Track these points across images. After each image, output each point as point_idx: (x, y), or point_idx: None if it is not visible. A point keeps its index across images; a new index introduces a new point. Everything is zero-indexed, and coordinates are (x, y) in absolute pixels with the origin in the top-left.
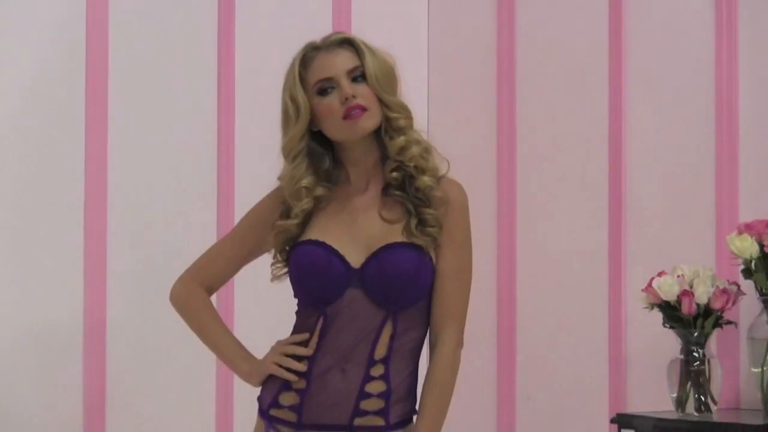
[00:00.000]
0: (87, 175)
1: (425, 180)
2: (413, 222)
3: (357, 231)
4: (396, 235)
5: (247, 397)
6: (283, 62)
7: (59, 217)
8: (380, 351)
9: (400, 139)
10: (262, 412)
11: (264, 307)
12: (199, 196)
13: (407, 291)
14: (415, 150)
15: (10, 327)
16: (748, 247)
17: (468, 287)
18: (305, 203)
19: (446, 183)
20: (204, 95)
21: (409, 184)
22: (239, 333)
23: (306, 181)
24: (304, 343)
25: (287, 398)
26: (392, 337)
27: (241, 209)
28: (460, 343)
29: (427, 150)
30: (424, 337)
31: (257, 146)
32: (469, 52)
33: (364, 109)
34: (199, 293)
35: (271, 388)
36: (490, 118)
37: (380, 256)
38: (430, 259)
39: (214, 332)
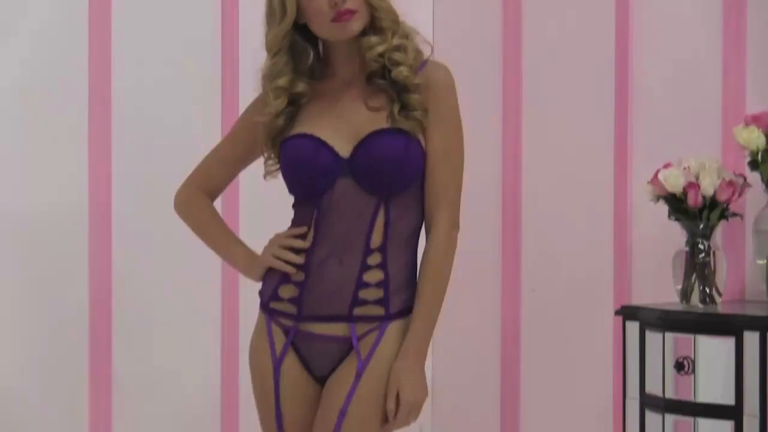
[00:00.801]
0: (90, 63)
1: (401, 70)
2: (396, 108)
3: (344, 121)
4: (381, 122)
5: (251, 293)
6: None
7: (64, 101)
8: (376, 239)
9: (372, 39)
10: (263, 306)
11: (268, 209)
12: (204, 82)
13: (396, 176)
14: (382, 48)
15: (17, 212)
16: (754, 138)
17: (459, 169)
18: (280, 102)
19: (430, 67)
20: None
21: (390, 73)
22: (244, 235)
23: (282, 81)
24: (302, 236)
25: (286, 291)
26: (386, 225)
27: (245, 102)
28: (454, 225)
29: (400, 48)
30: (420, 225)
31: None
32: None
33: (352, 13)
34: (199, 197)
35: (271, 281)
36: (496, 7)
37: (367, 143)
38: (419, 143)
39: (214, 232)
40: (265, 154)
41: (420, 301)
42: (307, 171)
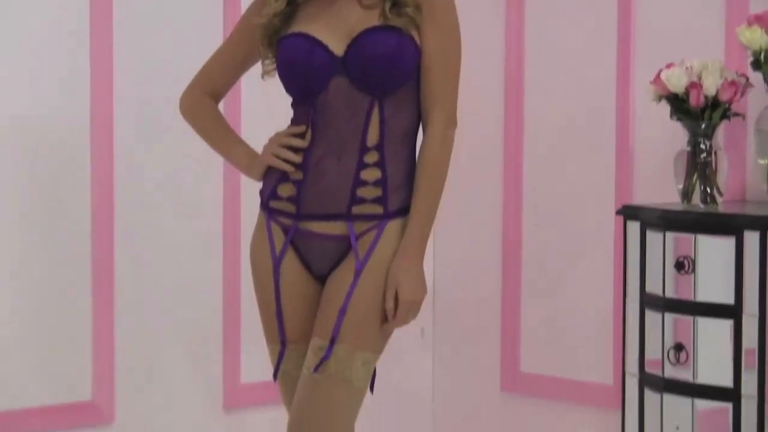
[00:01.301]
0: None
1: None
2: (388, 5)
3: (339, 20)
4: (373, 20)
5: (253, 194)
6: None
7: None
8: (372, 138)
9: None
10: (263, 205)
11: (269, 109)
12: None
13: (388, 73)
14: None
15: (17, 116)
16: (757, 38)
17: (456, 67)
18: (279, 4)
19: None
20: None
21: None
22: (246, 136)
23: None
24: (300, 136)
25: (285, 189)
26: (382, 123)
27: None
28: (451, 123)
29: None
30: (417, 123)
31: None
32: None
33: None
34: (203, 100)
35: (270, 180)
36: None
37: (359, 41)
38: (412, 40)
39: (217, 133)
40: (263, 54)
41: (417, 199)
42: (302, 70)
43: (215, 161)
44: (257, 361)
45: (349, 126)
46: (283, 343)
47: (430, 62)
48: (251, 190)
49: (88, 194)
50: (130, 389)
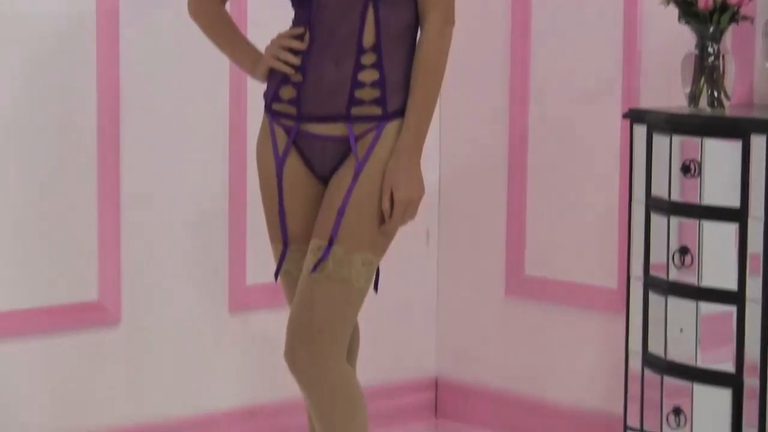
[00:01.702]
0: None
1: None
2: None
3: None
4: None
5: (258, 97)
6: None
7: None
8: (368, 38)
9: None
10: (266, 107)
11: (274, 10)
12: None
13: None
14: None
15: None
16: None
17: None
18: None
19: None
20: None
21: None
22: (252, 36)
23: None
24: (300, 37)
25: (286, 92)
26: (377, 23)
27: None
28: (448, 21)
29: None
30: (413, 22)
31: None
32: None
33: None
34: (212, 2)
35: (272, 82)
36: None
37: None
38: None
39: (224, 33)
40: None
41: (413, 99)
42: None
43: (221, 63)
44: (263, 262)
45: (345, 27)
46: (285, 243)
47: None
48: (257, 91)
49: (94, 89)
50: (136, 290)
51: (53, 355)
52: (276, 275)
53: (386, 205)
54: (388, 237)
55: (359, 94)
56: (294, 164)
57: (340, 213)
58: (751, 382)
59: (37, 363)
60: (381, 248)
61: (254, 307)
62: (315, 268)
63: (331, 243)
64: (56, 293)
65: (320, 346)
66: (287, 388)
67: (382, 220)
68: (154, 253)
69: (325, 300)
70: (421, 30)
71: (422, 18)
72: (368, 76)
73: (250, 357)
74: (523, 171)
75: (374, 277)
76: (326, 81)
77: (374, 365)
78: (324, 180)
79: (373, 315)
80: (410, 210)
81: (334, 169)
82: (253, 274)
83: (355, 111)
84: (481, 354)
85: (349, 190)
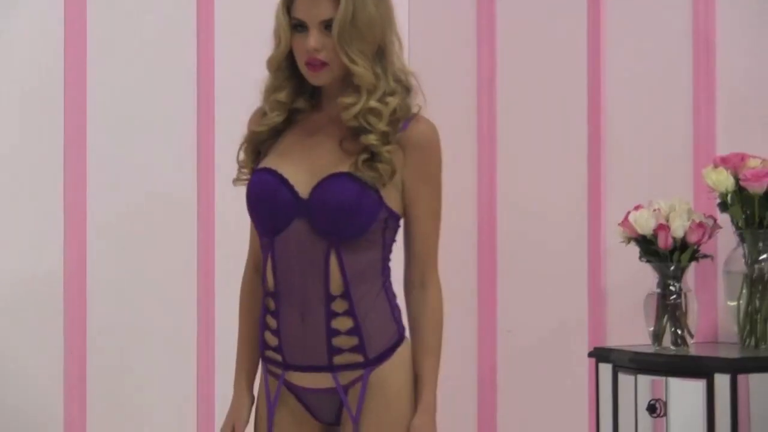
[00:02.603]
0: (66, 123)
1: (370, 138)
2: (362, 157)
3: (313, 159)
4: (344, 166)
5: (229, 354)
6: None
7: (38, 165)
8: (335, 285)
9: (348, 98)
10: (261, 355)
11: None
12: (179, 141)
13: (345, 222)
14: (358, 108)
15: None
16: (723, 180)
17: (439, 226)
18: (275, 116)
19: (417, 123)
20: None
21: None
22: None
23: (282, 95)
24: (264, 284)
25: (270, 339)
26: (341, 268)
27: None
28: (438, 282)
29: (374, 111)
30: (379, 258)
31: (238, 85)
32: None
33: (324, 64)
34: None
35: (260, 328)
36: (471, 65)
37: (323, 185)
38: (376, 193)
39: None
40: (243, 162)
41: (427, 357)
42: (266, 208)
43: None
44: None
45: (310, 276)
46: None
47: (426, 222)
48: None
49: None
50: None
51: None
52: None
53: None
54: None
55: (337, 342)
56: (286, 405)
57: None
58: None
59: None
60: None
61: None
62: None
63: None
64: None
65: None
66: None
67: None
68: None
69: None
70: (419, 287)
71: (423, 278)
72: (342, 324)
73: None
74: (492, 407)
75: None
76: (301, 335)
77: None
78: (328, 422)
79: None
80: None
81: (337, 413)
82: None
83: (338, 359)
84: None
85: None
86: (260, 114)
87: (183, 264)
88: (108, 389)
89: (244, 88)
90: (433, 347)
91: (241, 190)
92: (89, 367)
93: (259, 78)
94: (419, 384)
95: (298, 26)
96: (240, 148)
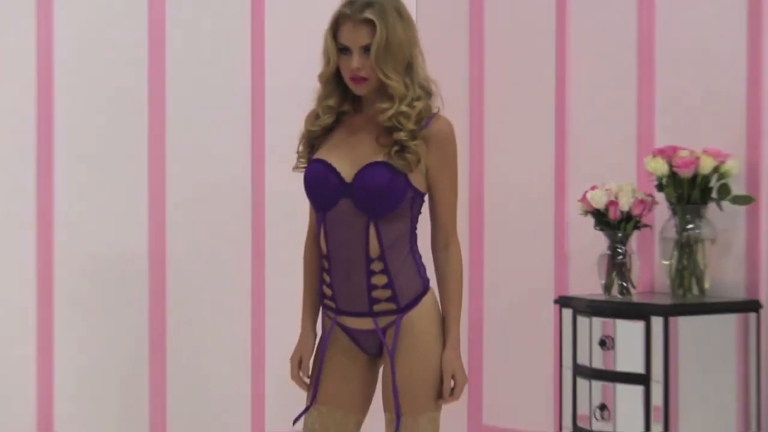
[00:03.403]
0: (150, 110)
1: (401, 135)
2: (394, 149)
3: (356, 152)
4: (381, 156)
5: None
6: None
7: (125, 157)
8: (373, 250)
9: (384, 104)
10: (320, 302)
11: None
12: (238, 134)
13: (380, 201)
14: (392, 112)
15: (80, 259)
16: (660, 167)
17: (456, 202)
18: (327, 118)
19: (435, 121)
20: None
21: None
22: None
23: (331, 101)
24: (321, 255)
25: (326, 290)
26: (379, 236)
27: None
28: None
29: (403, 114)
30: (407, 231)
31: (284, 90)
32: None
33: (364, 79)
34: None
35: (318, 284)
36: (464, 72)
37: (363, 172)
38: (405, 178)
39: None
40: (301, 154)
41: (452, 304)
42: (319, 190)
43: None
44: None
45: (353, 240)
46: (314, 399)
47: (447, 198)
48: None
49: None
50: None
51: None
52: (294, 421)
53: (448, 386)
54: (436, 387)
55: (376, 294)
56: (340, 342)
57: (395, 392)
58: None
59: None
60: (435, 402)
61: None
62: None
63: (398, 416)
64: None
65: None
66: None
67: (438, 397)
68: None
69: None
70: (444, 247)
71: (447, 240)
72: (379, 280)
73: None
74: (479, 346)
75: (438, 424)
76: (347, 289)
77: None
78: (372, 354)
79: None
80: (463, 389)
81: (379, 348)
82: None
83: (376, 308)
84: None
85: (393, 373)
86: (314, 116)
87: (240, 238)
88: (184, 352)
89: (290, 92)
90: (457, 296)
91: (286, 177)
92: (168, 328)
93: (301, 83)
94: (447, 325)
95: (342, 49)
96: (299, 143)
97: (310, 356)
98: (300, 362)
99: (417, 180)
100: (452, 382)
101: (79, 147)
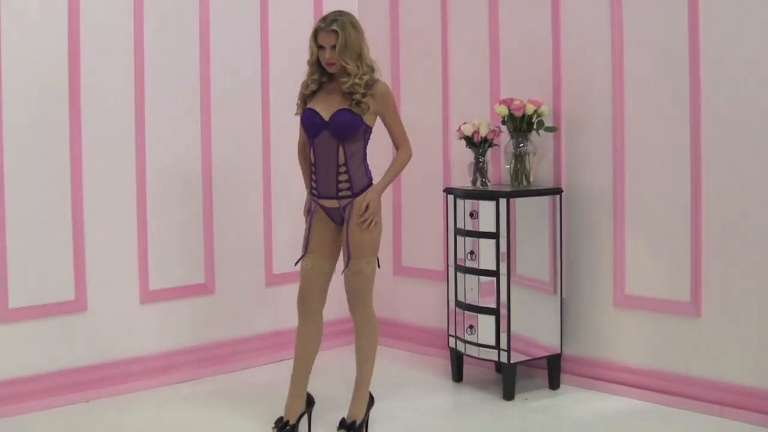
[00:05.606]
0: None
1: (355, 97)
2: (354, 102)
3: (330, 104)
4: (344, 105)
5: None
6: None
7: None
8: (341, 160)
9: (344, 79)
10: (309, 189)
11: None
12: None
13: (345, 131)
14: (349, 83)
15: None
16: (503, 110)
17: (401, 125)
18: (313, 86)
19: (376, 85)
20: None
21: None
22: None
23: (315, 76)
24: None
25: (313, 184)
26: (344, 153)
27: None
28: (410, 152)
29: (358, 84)
30: (361, 147)
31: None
32: None
33: (333, 64)
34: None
35: (309, 178)
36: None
37: (335, 115)
38: (360, 118)
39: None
40: (299, 106)
41: (389, 172)
42: (309, 126)
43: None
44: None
45: (329, 155)
46: (306, 250)
47: (392, 126)
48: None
49: None
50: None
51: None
52: (296, 263)
53: (363, 208)
54: (374, 246)
55: (340, 186)
56: (320, 215)
57: (348, 245)
58: (504, 312)
59: None
60: (373, 252)
61: (280, 283)
62: (345, 269)
63: (349, 258)
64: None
65: (365, 299)
66: None
67: (372, 246)
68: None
69: (355, 283)
70: (398, 149)
71: (399, 145)
72: (343, 177)
73: None
74: (398, 214)
75: (376, 264)
76: (325, 182)
77: None
78: (338, 223)
79: None
80: (376, 213)
81: (341, 221)
82: (277, 266)
83: (340, 194)
84: None
85: (347, 233)
86: (305, 85)
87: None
88: (224, 222)
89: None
90: (394, 169)
91: (283, 144)
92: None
93: (289, 71)
94: (381, 178)
95: (320, 47)
96: (298, 99)
97: (309, 209)
98: (307, 210)
99: (368, 119)
100: (365, 207)
101: (163, 96)
